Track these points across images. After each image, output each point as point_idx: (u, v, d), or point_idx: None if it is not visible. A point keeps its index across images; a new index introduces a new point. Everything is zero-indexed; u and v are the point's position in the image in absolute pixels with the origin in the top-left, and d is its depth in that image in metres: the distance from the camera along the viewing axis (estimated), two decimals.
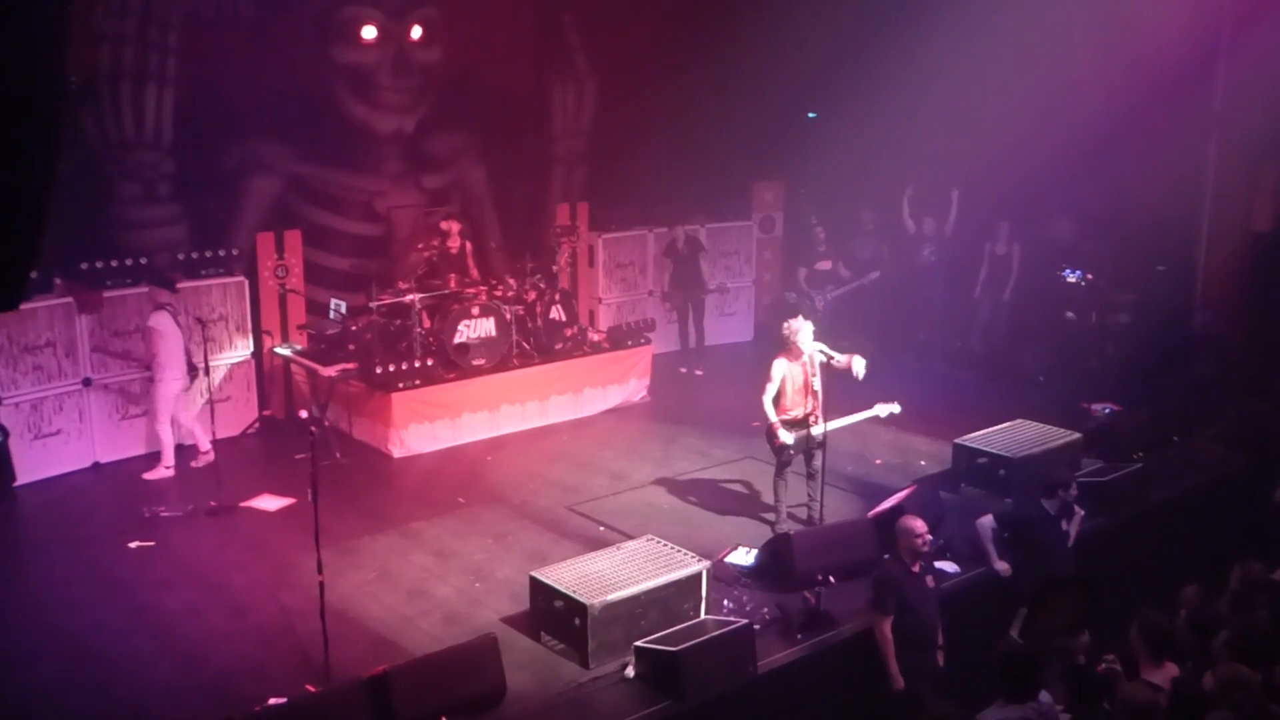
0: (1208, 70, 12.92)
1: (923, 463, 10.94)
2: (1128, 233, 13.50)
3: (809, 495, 9.45)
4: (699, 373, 13.94)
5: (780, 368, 9.14)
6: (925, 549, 7.49)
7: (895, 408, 9.27)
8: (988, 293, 14.18)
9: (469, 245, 12.59)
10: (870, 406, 9.33)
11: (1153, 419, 11.42)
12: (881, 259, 14.60)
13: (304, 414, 8.02)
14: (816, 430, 9.14)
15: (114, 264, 10.97)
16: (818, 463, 9.29)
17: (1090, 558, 8.70)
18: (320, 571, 7.28)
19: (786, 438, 9.12)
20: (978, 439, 10.29)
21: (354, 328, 11.83)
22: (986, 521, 8.69)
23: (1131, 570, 9.10)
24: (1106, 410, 11.89)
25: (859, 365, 9.07)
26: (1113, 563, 9.09)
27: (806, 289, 14.36)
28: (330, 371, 11.52)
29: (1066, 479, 8.57)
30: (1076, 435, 10.55)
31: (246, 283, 11.68)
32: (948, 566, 8.74)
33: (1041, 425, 10.63)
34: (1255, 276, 13.02)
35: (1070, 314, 13.69)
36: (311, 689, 7.06)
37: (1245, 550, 7.82)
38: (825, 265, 14.49)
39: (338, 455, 10.84)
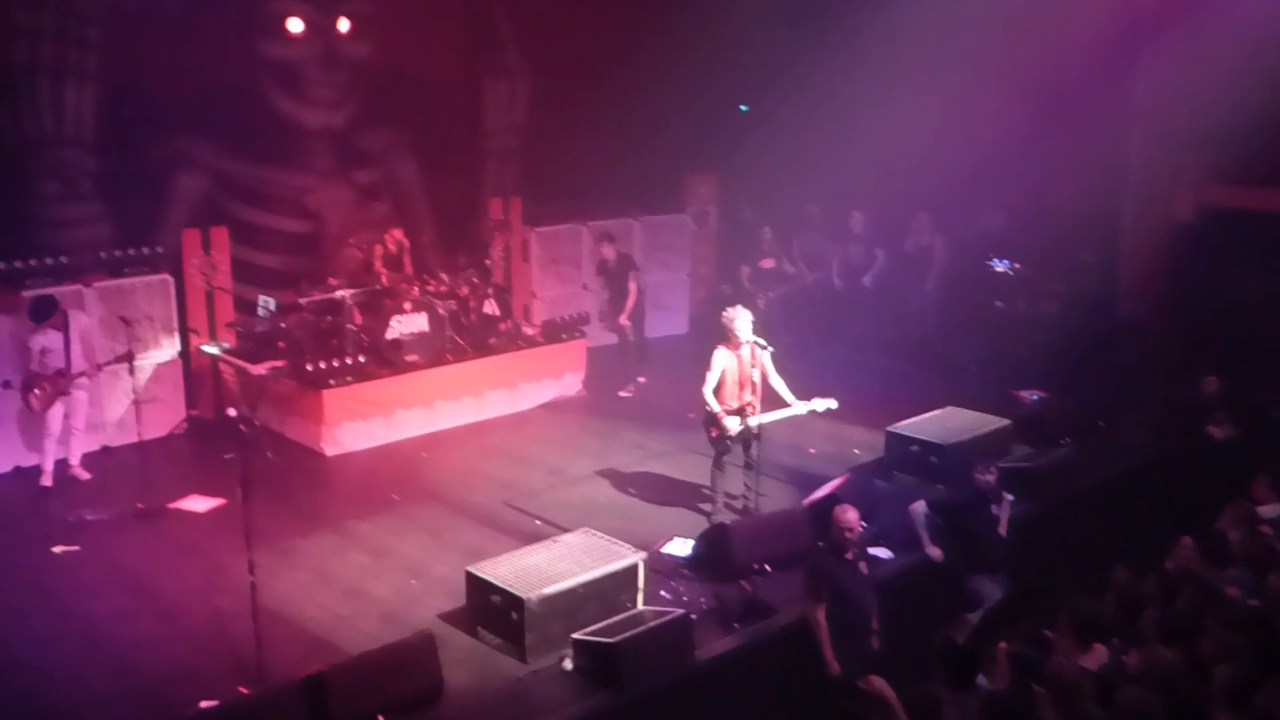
0: (1129, 64, 13.18)
1: (856, 451, 11.04)
2: (1054, 224, 13.73)
3: (745, 485, 9.49)
4: (641, 380, 13.16)
5: (720, 358, 9.17)
6: (852, 538, 7.56)
7: (832, 403, 9.30)
8: (911, 283, 14.37)
9: (406, 244, 12.52)
10: (808, 400, 9.36)
11: (1080, 405, 11.64)
12: (825, 255, 14.69)
13: (233, 412, 7.91)
14: (752, 422, 9.18)
15: (33, 263, 10.72)
16: (754, 453, 9.33)
17: (1020, 542, 8.84)
18: (251, 572, 7.18)
19: (733, 425, 9.13)
20: (910, 427, 10.40)
21: (283, 325, 11.67)
22: (919, 508, 8.81)
23: (1060, 553, 9.28)
24: (1035, 397, 12.06)
25: (821, 405, 9.20)
26: (1042, 546, 9.26)
27: (750, 288, 14.30)
28: (260, 370, 11.35)
29: (986, 463, 8.72)
30: (1006, 422, 10.72)
31: (172, 281, 11.47)
32: (881, 553, 8.83)
33: (972, 412, 10.78)
34: (1177, 266, 13.32)
35: (999, 303, 13.91)
36: (245, 691, 6.95)
37: (1171, 531, 8.04)
38: (769, 263, 14.50)
39: (269, 454, 10.67)
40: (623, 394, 12.88)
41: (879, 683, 7.31)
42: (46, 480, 10.21)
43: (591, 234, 14.34)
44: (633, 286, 12.89)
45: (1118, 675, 6.18)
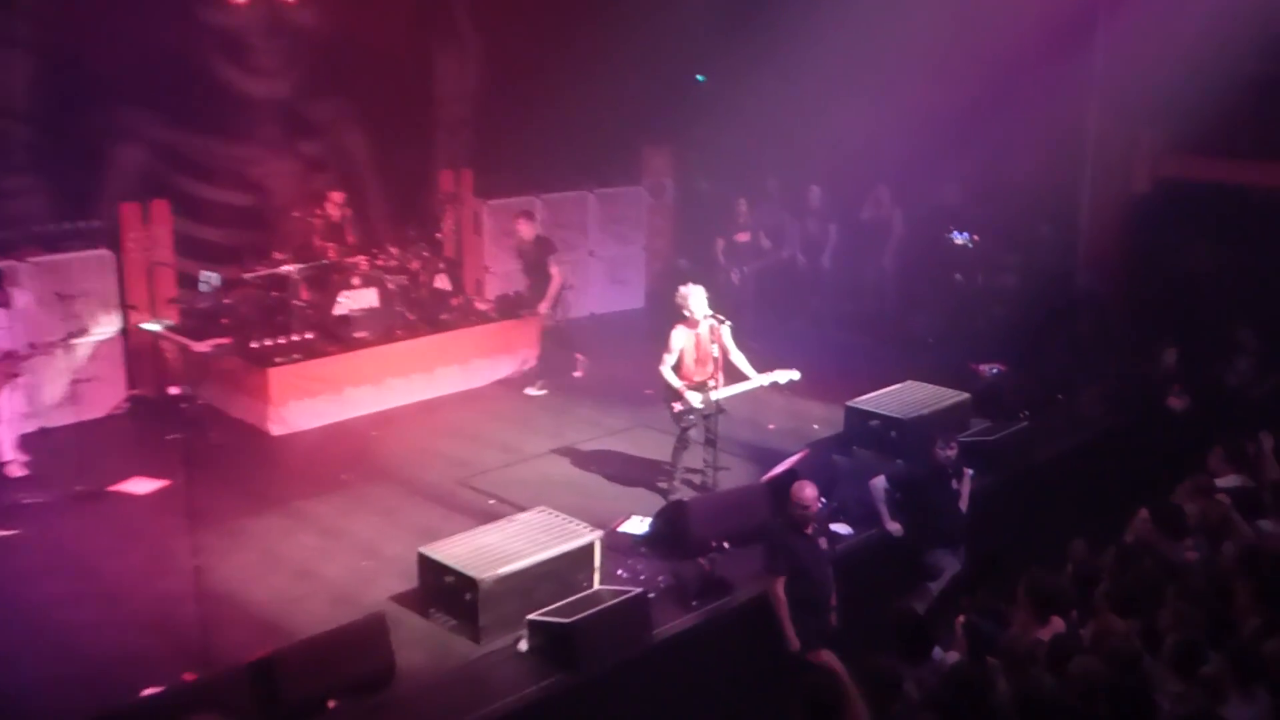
0: (1086, 36, 13.15)
1: (816, 426, 10.97)
2: (1011, 197, 13.72)
3: (704, 461, 9.37)
4: (577, 374, 12.46)
5: (679, 337, 9.08)
6: (811, 515, 7.49)
7: (794, 375, 9.21)
8: (868, 257, 14.29)
9: (349, 212, 12.25)
10: (770, 372, 9.25)
11: (1038, 378, 11.66)
12: (785, 228, 14.56)
13: (175, 391, 7.67)
14: (714, 395, 9.05)
15: None
16: (716, 428, 9.21)
17: (979, 515, 8.82)
18: (195, 554, 6.97)
19: (695, 402, 9.02)
20: (869, 401, 10.34)
21: (228, 301, 11.41)
22: (879, 483, 8.77)
23: (1019, 526, 9.27)
24: (994, 371, 12.04)
25: (784, 376, 9.09)
26: (1001, 520, 9.24)
27: (724, 262, 14.04)
28: (203, 347, 11.06)
29: (946, 438, 8.70)
30: (965, 396, 10.69)
31: (111, 255, 11.17)
32: (841, 528, 8.78)
33: (931, 386, 10.74)
34: (1135, 237, 13.36)
35: (958, 276, 13.89)
36: (190, 677, 6.76)
37: (1130, 503, 8.03)
38: (744, 237, 14.30)
39: (213, 434, 10.40)
40: (576, 374, 12.50)
41: (827, 655, 7.26)
42: (15, 469, 9.81)
43: (545, 207, 14.11)
44: (554, 271, 12.15)
45: (1070, 645, 6.17)
